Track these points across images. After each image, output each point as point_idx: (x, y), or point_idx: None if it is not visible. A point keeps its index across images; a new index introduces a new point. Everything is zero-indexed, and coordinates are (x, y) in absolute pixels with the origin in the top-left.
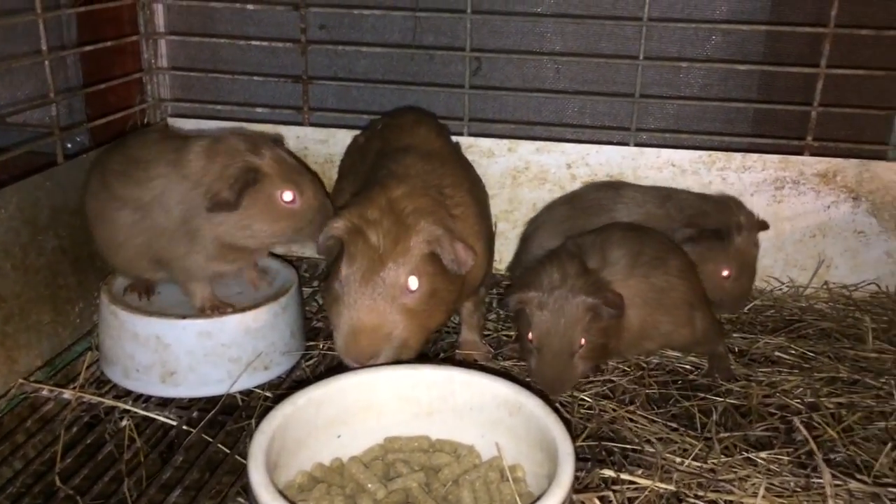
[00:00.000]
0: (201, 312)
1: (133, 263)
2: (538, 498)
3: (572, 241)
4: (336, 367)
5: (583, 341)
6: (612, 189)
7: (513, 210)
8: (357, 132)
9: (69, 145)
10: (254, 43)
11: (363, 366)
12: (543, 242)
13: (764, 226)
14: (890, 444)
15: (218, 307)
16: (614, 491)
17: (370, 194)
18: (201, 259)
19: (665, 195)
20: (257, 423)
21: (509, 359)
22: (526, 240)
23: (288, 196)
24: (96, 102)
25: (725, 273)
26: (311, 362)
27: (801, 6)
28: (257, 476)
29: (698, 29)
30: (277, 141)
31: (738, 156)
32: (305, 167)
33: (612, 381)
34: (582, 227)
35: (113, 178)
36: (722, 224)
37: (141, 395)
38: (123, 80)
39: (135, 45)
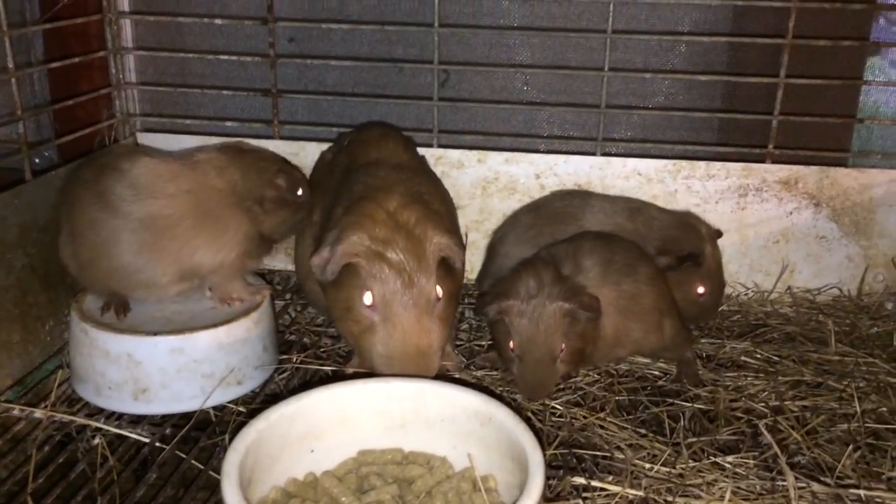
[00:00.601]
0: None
1: (155, 279)
2: None
3: (545, 251)
4: (310, 381)
5: (563, 346)
6: (579, 198)
7: (483, 220)
8: (327, 145)
9: (37, 160)
10: (223, 57)
11: None
12: (510, 251)
13: (719, 234)
14: (851, 447)
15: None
16: (584, 498)
17: (364, 210)
18: (237, 257)
19: (635, 208)
20: (231, 439)
21: (482, 368)
22: (492, 249)
23: (301, 192)
24: (64, 118)
25: (701, 290)
26: (284, 376)
27: (761, 18)
28: (231, 494)
29: (662, 40)
30: None
31: (702, 164)
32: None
33: (582, 389)
34: (549, 235)
35: (123, 203)
36: (695, 248)
37: (113, 413)
38: (91, 96)
39: (102, 60)
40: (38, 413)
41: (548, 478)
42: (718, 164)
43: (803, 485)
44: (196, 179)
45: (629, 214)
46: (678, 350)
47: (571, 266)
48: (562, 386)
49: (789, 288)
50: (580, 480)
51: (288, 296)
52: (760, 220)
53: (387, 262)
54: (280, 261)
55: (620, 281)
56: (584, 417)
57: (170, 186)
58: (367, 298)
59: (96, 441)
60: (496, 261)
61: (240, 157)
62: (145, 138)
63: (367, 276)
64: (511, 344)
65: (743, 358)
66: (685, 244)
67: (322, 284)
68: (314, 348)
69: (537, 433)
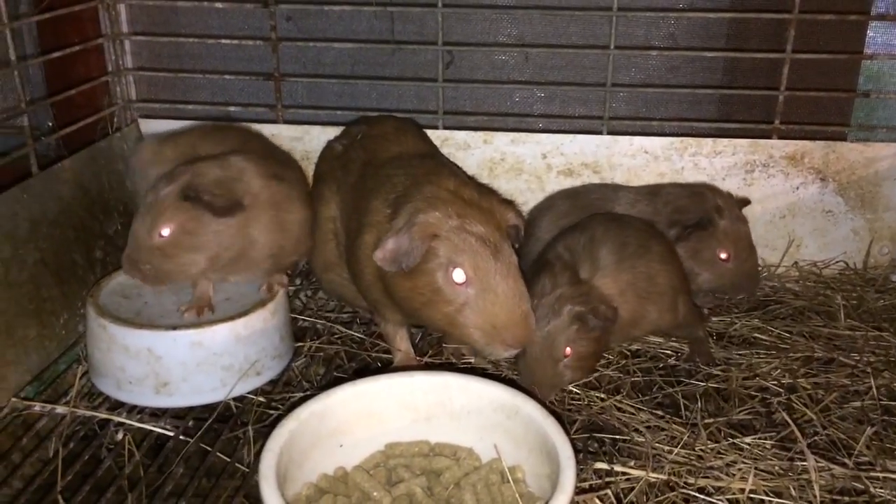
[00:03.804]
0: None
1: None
2: None
3: (562, 246)
4: (328, 369)
5: (568, 350)
6: (611, 190)
7: None
8: (331, 128)
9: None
10: (224, 41)
11: None
12: (543, 236)
13: (745, 202)
14: (869, 427)
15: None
16: (609, 483)
17: (426, 193)
18: None
19: (653, 192)
20: (253, 430)
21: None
22: (527, 230)
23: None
24: (63, 108)
25: (724, 256)
26: (300, 363)
27: None
28: (271, 496)
29: (667, 16)
30: None
31: (708, 141)
32: None
33: (597, 371)
34: None
35: None
36: (700, 213)
37: (135, 407)
38: (91, 85)
39: (98, 47)
40: (60, 409)
41: None
42: (725, 141)
43: (823, 465)
44: None
45: (649, 199)
46: (691, 328)
47: (588, 264)
48: None
49: (796, 262)
50: (603, 465)
51: (298, 281)
52: (767, 196)
53: (471, 235)
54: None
55: (636, 264)
56: (602, 400)
57: None
58: (459, 275)
59: (120, 436)
60: (529, 242)
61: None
62: (146, 125)
63: (454, 252)
64: None
65: (754, 335)
66: (693, 212)
67: (385, 277)
68: (328, 334)
69: (560, 419)
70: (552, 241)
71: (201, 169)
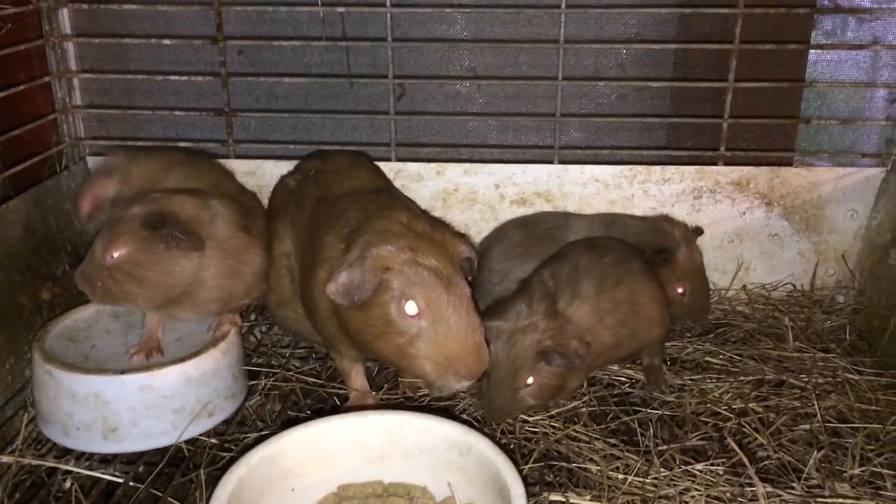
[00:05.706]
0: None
1: None
2: None
3: (547, 273)
4: (288, 407)
5: (530, 380)
6: (563, 218)
7: None
8: (284, 163)
9: None
10: (173, 78)
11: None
12: (495, 266)
13: (699, 231)
14: (816, 449)
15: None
16: None
17: (378, 226)
18: None
19: (610, 221)
20: (205, 473)
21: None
22: (481, 257)
23: None
24: (9, 147)
25: (680, 290)
26: (254, 401)
27: (707, 16)
28: None
29: (613, 47)
30: None
31: (657, 168)
32: None
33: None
34: (538, 252)
35: None
36: (664, 246)
37: (83, 454)
38: (38, 123)
39: (46, 84)
40: (6, 458)
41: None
42: (673, 168)
43: (772, 490)
44: None
45: (605, 229)
46: (655, 353)
47: (569, 295)
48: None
49: (744, 286)
50: (557, 497)
51: (253, 317)
52: (715, 221)
53: (423, 267)
54: None
55: (616, 292)
56: (557, 429)
57: None
58: (411, 308)
59: (68, 484)
60: (482, 273)
61: None
62: (94, 162)
63: (406, 284)
64: None
65: (706, 359)
66: (655, 245)
67: (339, 311)
68: (283, 371)
69: (511, 453)
70: (540, 266)
71: (176, 203)
